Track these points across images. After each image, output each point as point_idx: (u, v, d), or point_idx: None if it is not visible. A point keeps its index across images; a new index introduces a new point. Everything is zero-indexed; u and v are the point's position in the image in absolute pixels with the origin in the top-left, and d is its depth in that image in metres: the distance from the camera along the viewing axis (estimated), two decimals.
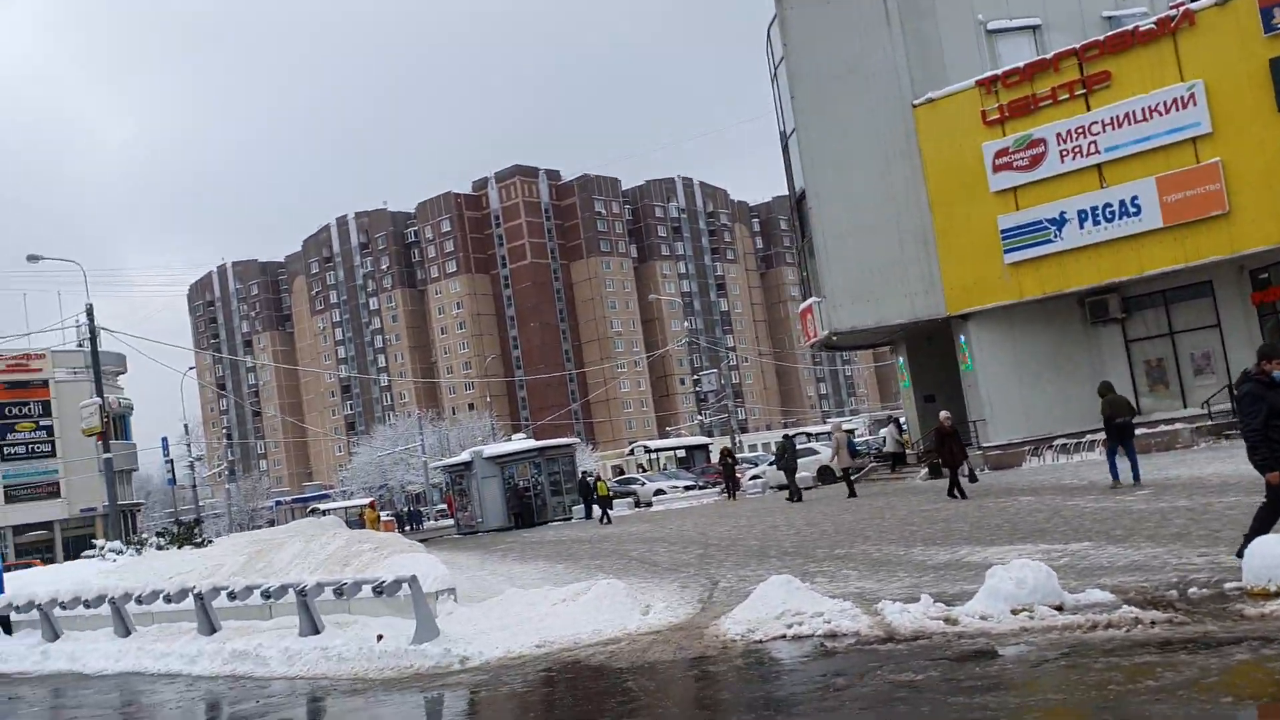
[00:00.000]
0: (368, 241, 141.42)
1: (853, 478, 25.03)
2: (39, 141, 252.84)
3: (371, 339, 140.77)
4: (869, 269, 27.95)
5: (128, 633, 14.48)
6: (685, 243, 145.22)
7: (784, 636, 8.48)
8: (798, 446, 34.39)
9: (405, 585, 10.68)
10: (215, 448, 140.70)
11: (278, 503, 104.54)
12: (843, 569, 11.87)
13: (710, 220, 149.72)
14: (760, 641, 8.45)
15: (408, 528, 58.22)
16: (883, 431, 42.93)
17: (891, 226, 27.89)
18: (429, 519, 68.08)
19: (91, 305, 33.87)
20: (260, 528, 77.27)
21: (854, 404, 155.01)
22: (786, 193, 34.58)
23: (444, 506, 69.65)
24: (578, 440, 45.84)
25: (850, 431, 37.28)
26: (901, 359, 33.95)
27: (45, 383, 75.12)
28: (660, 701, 7.29)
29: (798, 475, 27.31)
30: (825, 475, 31.01)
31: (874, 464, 33.02)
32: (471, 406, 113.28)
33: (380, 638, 10.55)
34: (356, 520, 50.21)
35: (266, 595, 12.39)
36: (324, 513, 62.43)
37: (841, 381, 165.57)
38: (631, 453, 66.53)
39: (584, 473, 37.33)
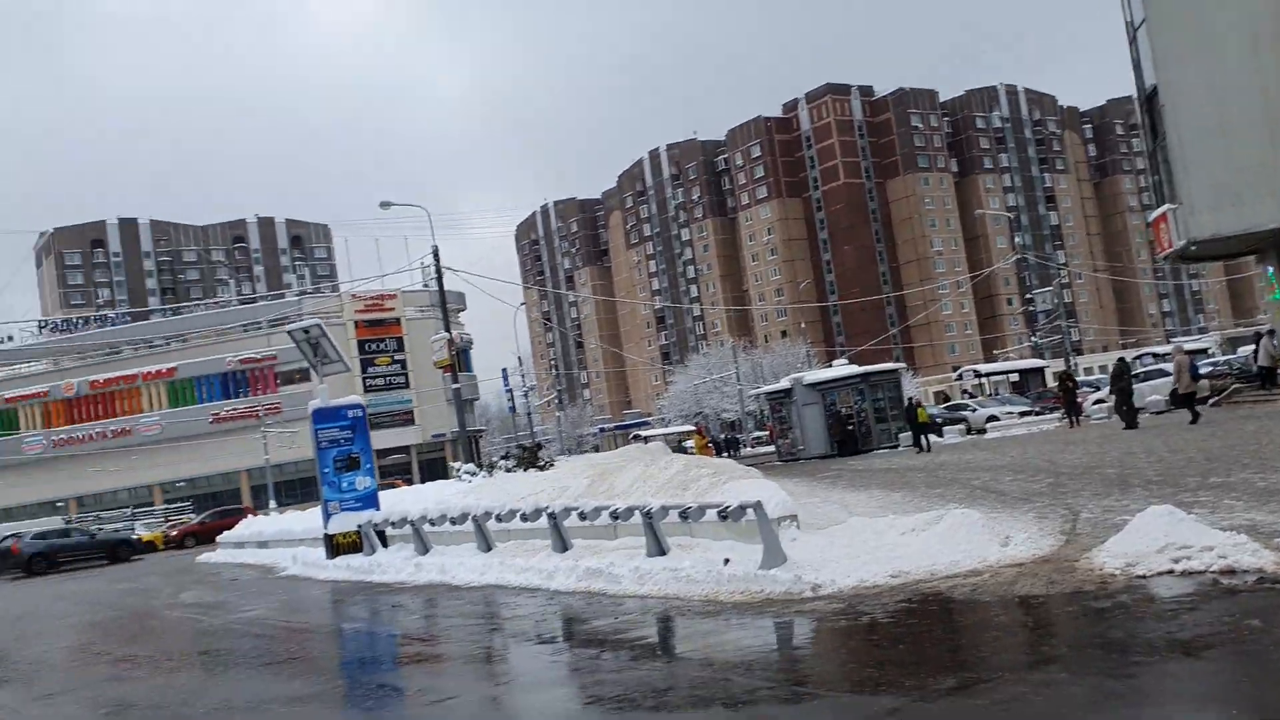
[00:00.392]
0: (679, 173, 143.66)
1: (1210, 402, 22.83)
2: (387, 98, 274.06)
3: (684, 269, 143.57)
4: (1234, 170, 25.00)
5: (489, 548, 15.52)
6: (1010, 154, 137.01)
7: (1170, 572, 7.73)
8: (1146, 368, 31.83)
9: (750, 510, 10.68)
10: (544, 378, 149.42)
11: (601, 429, 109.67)
12: (1223, 499, 10.72)
13: (1037, 129, 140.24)
14: (1143, 577, 7.75)
15: (725, 454, 59.25)
16: (1242, 350, 38.88)
17: (1260, 121, 24.77)
18: (745, 446, 69.02)
19: (437, 247, 36.39)
20: (586, 453, 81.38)
21: (1201, 321, 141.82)
22: (1126, 93, 31.69)
23: (761, 434, 70.40)
24: (903, 365, 44.64)
25: (1193, 353, 34.13)
26: (1270, 269, 30.37)
27: (398, 321, 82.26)
28: (1043, 639, 6.83)
29: (1148, 399, 25.22)
30: (1179, 398, 28.51)
31: (1236, 385, 29.94)
32: (784, 334, 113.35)
33: (727, 562, 10.63)
34: (677, 446, 51.70)
35: (615, 516, 12.82)
36: (646, 439, 64.64)
37: (1187, 297, 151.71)
38: (959, 377, 64.31)
39: (910, 399, 36.32)
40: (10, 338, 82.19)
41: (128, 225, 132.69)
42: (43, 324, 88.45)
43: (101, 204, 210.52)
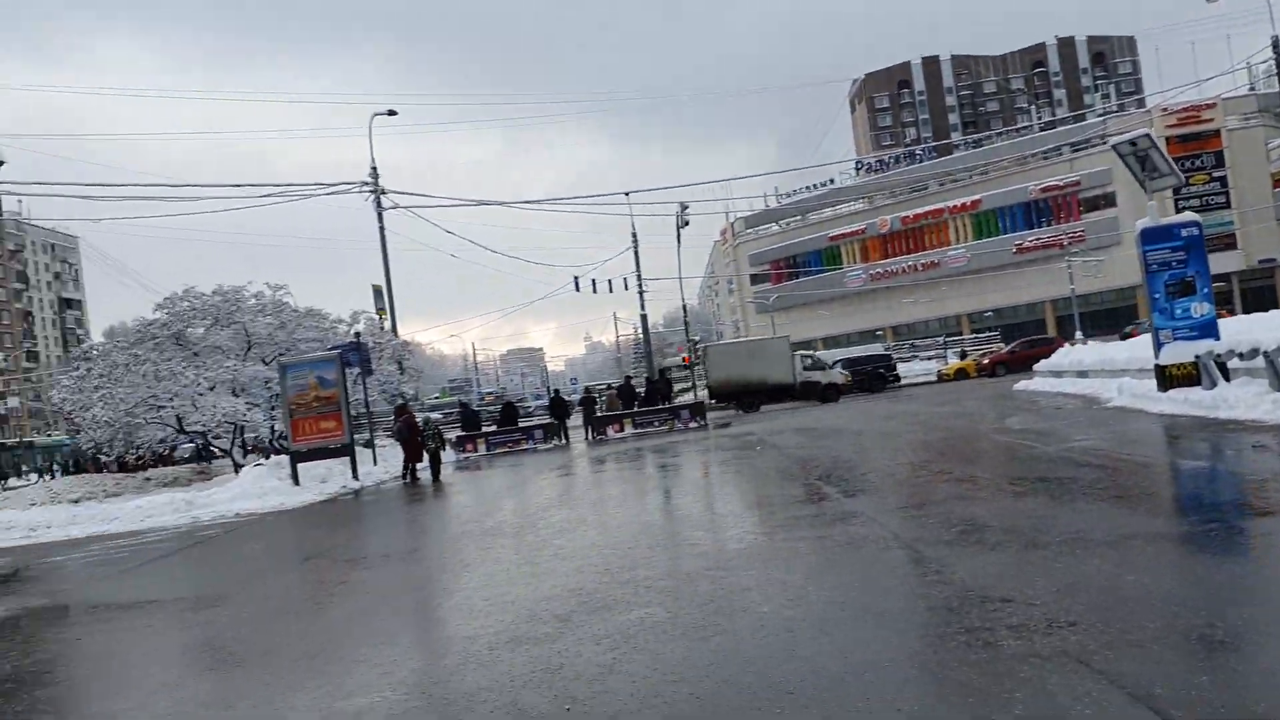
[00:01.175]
0: None
1: None
2: None
3: None
4: None
5: None
6: None
7: None
8: None
9: None
10: None
11: None
12: None
13: None
14: None
15: None
16: None
17: None
18: None
19: (1276, 36, 31.27)
20: None
21: None
22: None
23: None
24: None
25: None
26: None
27: (1216, 133, 73.88)
28: None
29: None
30: None
31: None
32: None
33: None
34: None
35: None
36: None
37: None
38: None
39: None
40: (831, 180, 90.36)
41: (930, 64, 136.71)
42: (859, 166, 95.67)
43: (907, 46, 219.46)
